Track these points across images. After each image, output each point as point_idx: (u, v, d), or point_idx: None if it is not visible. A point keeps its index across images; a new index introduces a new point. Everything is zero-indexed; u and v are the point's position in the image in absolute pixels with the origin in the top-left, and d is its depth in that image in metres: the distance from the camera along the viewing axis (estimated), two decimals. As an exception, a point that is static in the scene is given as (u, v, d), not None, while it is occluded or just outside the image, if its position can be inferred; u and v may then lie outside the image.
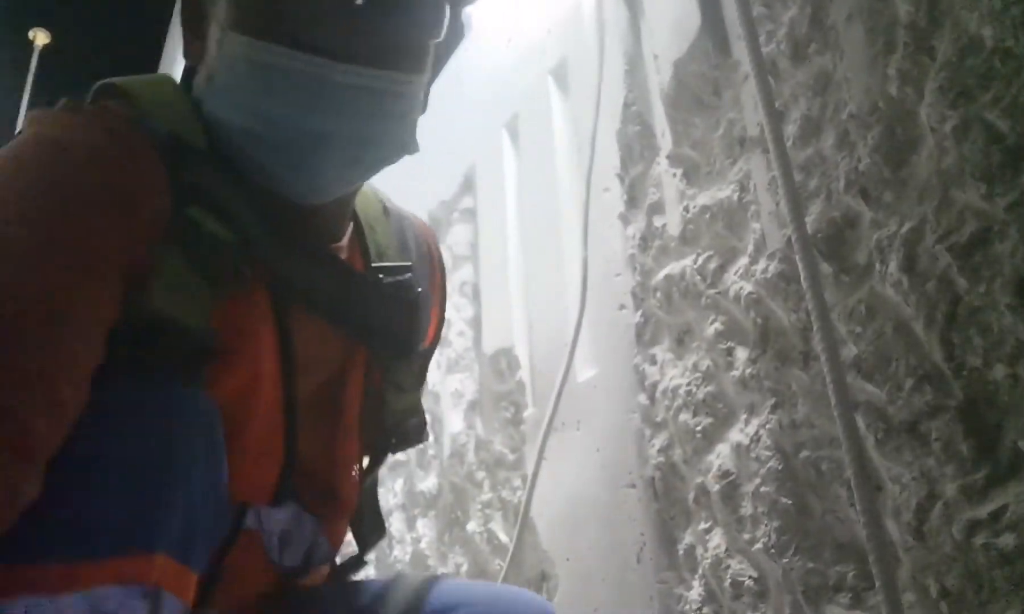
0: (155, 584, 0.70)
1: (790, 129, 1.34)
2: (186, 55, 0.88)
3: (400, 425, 1.02)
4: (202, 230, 0.75)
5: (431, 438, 2.55)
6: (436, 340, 1.10)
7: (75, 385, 0.67)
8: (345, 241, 0.91)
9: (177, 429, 0.73)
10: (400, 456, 2.74)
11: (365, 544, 1.07)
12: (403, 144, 0.88)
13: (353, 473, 0.99)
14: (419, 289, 0.97)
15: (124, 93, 0.84)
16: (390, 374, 0.97)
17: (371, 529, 1.07)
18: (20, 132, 0.78)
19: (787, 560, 1.29)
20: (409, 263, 0.98)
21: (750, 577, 1.37)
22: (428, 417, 2.42)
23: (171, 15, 3.10)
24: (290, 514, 0.89)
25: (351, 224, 0.94)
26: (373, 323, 0.92)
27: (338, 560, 1.04)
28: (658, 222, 1.69)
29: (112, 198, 0.72)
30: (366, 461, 1.04)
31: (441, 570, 2.37)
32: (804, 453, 1.28)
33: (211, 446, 0.77)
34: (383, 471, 2.81)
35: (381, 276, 0.93)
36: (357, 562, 1.07)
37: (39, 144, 0.75)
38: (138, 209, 0.74)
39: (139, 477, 0.71)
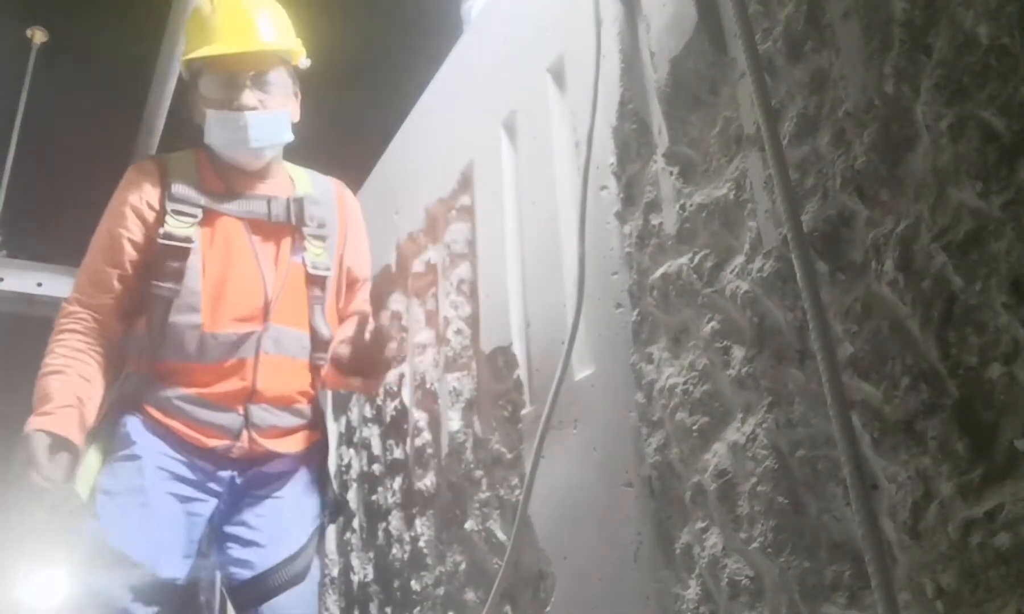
0: None
1: (786, 127, 1.34)
2: (193, 117, 1.97)
3: (315, 264, 1.96)
4: (177, 211, 1.86)
5: (429, 437, 2.55)
6: (348, 232, 2.10)
7: (119, 269, 1.84)
8: (276, 182, 1.99)
9: None
10: (398, 455, 2.74)
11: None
12: (281, 137, 1.95)
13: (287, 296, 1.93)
14: (318, 202, 2.02)
15: (161, 157, 1.98)
16: (309, 237, 1.97)
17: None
18: None
19: (783, 559, 1.29)
20: (319, 201, 2.03)
21: (747, 576, 1.37)
22: (426, 415, 2.54)
23: (168, 14, 3.10)
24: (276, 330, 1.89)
25: (288, 177, 2.04)
26: (284, 215, 1.95)
27: None
28: (655, 220, 1.69)
29: (135, 197, 1.87)
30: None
31: (439, 569, 2.37)
32: (800, 452, 1.28)
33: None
34: (381, 470, 2.80)
35: (299, 196, 1.99)
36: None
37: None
38: (146, 203, 1.87)
39: None
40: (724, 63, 1.52)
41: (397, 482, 2.73)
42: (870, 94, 1.20)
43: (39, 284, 4.08)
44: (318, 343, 1.97)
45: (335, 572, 3.15)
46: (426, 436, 2.56)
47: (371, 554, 2.86)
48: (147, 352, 1.83)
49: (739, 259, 1.45)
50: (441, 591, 2.34)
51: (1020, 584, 0.96)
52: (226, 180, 1.92)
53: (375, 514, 2.85)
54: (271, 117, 1.90)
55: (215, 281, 1.83)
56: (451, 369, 2.45)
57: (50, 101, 4.16)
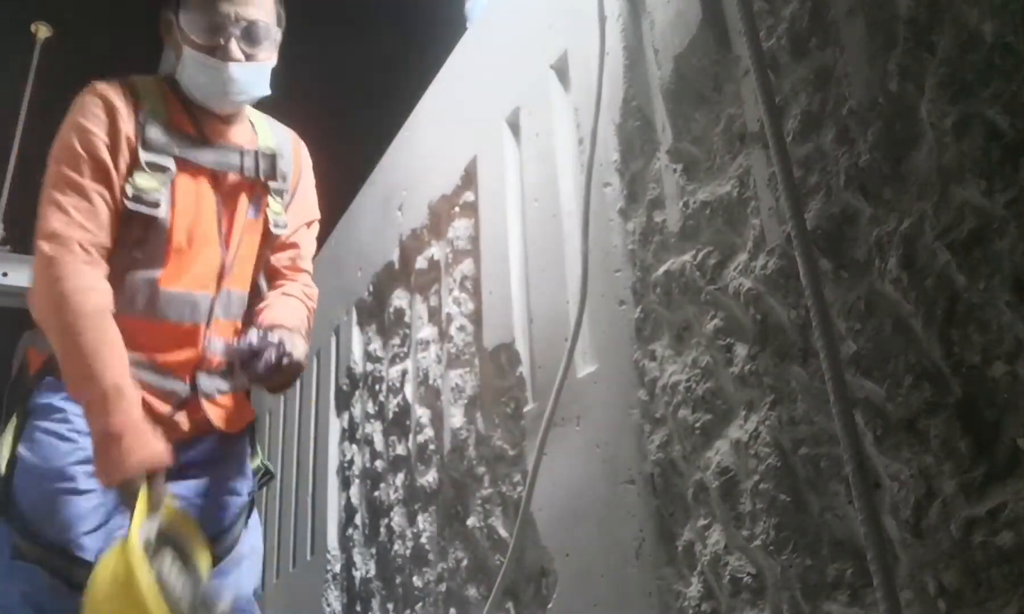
0: None
1: (790, 124, 1.33)
2: (163, 39, 1.78)
3: (276, 222, 1.86)
4: (151, 164, 1.66)
5: (431, 433, 2.55)
6: (299, 186, 1.94)
7: (105, 211, 1.60)
8: (242, 128, 1.82)
9: None
10: (400, 451, 2.74)
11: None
12: (261, 91, 1.80)
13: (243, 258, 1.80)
14: (283, 156, 1.87)
15: (129, 80, 1.74)
16: (271, 190, 1.85)
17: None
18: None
19: (785, 557, 1.29)
20: (275, 145, 1.87)
21: (748, 574, 1.37)
22: (429, 412, 2.53)
23: (172, 9, 3.10)
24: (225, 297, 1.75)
25: (249, 123, 1.86)
26: (254, 169, 1.81)
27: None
28: (658, 217, 1.69)
29: (108, 133, 1.63)
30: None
31: (441, 565, 2.38)
32: (803, 450, 1.28)
33: None
34: (384, 466, 2.80)
35: (270, 151, 1.84)
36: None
37: (72, 112, 1.67)
38: (120, 145, 1.63)
39: None
40: (728, 60, 1.52)
41: (399, 478, 2.73)
42: (874, 92, 1.19)
43: (42, 279, 4.09)
44: (254, 300, 1.88)
45: (337, 568, 3.15)
46: (428, 432, 2.56)
47: (373, 550, 2.87)
48: None
49: (742, 257, 1.45)
50: (443, 587, 2.35)
51: (1022, 583, 0.96)
52: (196, 123, 1.77)
53: (377, 510, 2.85)
54: (256, 69, 1.77)
55: (180, 237, 1.70)
56: (454, 366, 2.45)
57: (54, 96, 4.16)
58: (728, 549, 1.41)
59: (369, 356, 3.16)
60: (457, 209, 2.58)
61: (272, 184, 1.85)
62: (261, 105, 1.95)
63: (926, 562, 1.07)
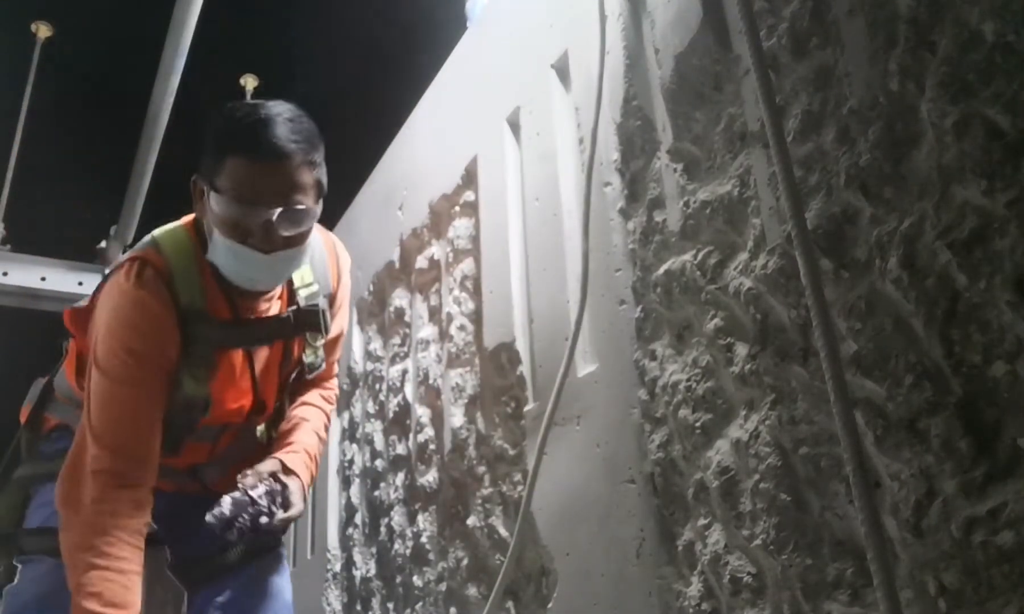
0: None
1: (790, 124, 1.33)
2: (196, 212, 1.62)
3: (311, 365, 1.80)
4: (194, 366, 1.60)
5: (431, 433, 2.55)
6: (337, 309, 1.83)
7: (154, 435, 1.55)
8: (278, 290, 1.69)
9: None
10: (400, 451, 2.74)
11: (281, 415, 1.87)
12: (302, 265, 1.67)
13: (272, 397, 1.79)
14: (322, 307, 1.74)
15: (163, 264, 1.58)
16: (308, 343, 1.79)
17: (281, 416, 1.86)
18: (107, 294, 1.59)
19: (786, 557, 1.29)
20: (317, 288, 1.75)
21: (749, 573, 1.37)
22: (429, 411, 2.54)
23: (171, 11, 3.10)
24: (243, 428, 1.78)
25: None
26: (294, 332, 1.74)
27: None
28: (658, 217, 1.69)
29: (154, 351, 1.54)
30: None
31: (441, 565, 2.38)
32: (803, 449, 1.28)
33: None
34: (384, 465, 2.81)
35: (300, 306, 1.72)
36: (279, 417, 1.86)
37: (114, 316, 1.54)
38: (166, 356, 1.55)
39: None
40: (728, 59, 1.52)
41: (400, 478, 2.73)
42: (875, 91, 1.19)
43: (43, 278, 4.10)
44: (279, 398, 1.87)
45: (337, 567, 3.15)
46: (429, 432, 2.56)
47: (373, 549, 2.87)
48: None
49: (743, 256, 1.45)
50: (443, 587, 2.35)
51: (1022, 583, 0.96)
52: (231, 303, 1.64)
53: (377, 509, 2.85)
54: (296, 253, 1.57)
55: (214, 405, 1.68)
56: (454, 365, 2.45)
57: (54, 96, 4.17)
58: (728, 549, 1.41)
59: (369, 355, 3.16)
60: (457, 208, 2.57)
61: (310, 333, 1.76)
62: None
63: (926, 562, 1.07)
